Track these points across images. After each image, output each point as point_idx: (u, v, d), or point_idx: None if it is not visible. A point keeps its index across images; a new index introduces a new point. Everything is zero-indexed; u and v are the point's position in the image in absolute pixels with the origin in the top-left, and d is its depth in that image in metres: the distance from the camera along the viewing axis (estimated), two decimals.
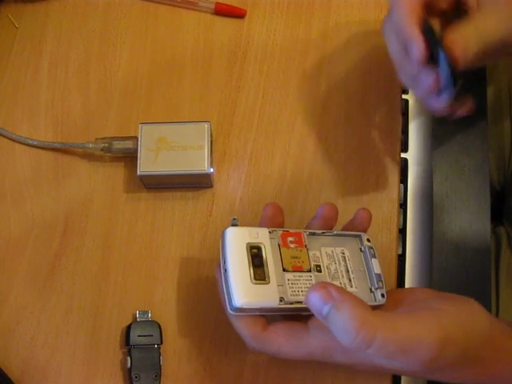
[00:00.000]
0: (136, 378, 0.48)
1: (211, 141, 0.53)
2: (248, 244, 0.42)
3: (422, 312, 0.39)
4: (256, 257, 0.42)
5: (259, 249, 0.42)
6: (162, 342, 0.49)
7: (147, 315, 0.50)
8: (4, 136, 0.57)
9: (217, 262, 0.44)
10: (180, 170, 0.52)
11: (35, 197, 0.55)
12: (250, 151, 0.56)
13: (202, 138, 0.52)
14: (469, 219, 0.55)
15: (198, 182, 0.54)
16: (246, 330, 0.42)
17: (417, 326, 0.38)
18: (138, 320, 0.50)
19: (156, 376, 0.48)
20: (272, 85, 0.58)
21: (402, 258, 0.55)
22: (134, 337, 0.49)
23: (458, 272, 0.54)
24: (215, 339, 0.51)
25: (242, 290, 0.41)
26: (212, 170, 0.52)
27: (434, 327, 0.38)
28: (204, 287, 0.52)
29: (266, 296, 0.41)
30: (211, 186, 0.55)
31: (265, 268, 0.42)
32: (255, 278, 0.41)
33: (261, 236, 0.43)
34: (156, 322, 0.50)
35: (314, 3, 0.61)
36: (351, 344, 0.36)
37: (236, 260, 0.41)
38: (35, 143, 0.56)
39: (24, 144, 0.56)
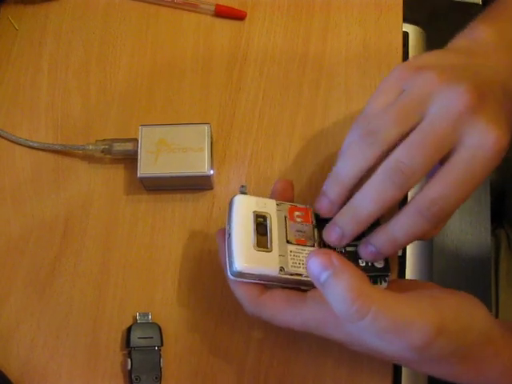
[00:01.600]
0: (136, 379, 0.48)
1: (211, 143, 0.53)
2: (254, 212, 0.43)
3: (422, 298, 0.39)
4: (261, 225, 0.43)
5: (265, 218, 0.43)
6: (162, 344, 0.49)
7: (147, 317, 0.50)
8: (4, 138, 0.57)
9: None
10: (180, 172, 0.52)
11: (35, 198, 0.55)
12: (250, 153, 0.56)
13: (202, 140, 0.52)
14: (469, 221, 0.55)
15: (198, 184, 0.54)
16: (244, 293, 0.43)
17: (414, 308, 0.37)
18: (139, 322, 0.50)
19: (156, 378, 0.48)
20: (272, 86, 0.58)
21: (402, 260, 0.55)
22: (135, 339, 0.49)
23: (458, 274, 0.54)
24: (216, 341, 0.51)
25: (243, 255, 0.41)
26: (212, 171, 0.52)
27: (431, 313, 0.37)
28: (204, 289, 0.52)
29: (266, 264, 0.42)
30: (211, 188, 0.55)
31: (268, 237, 0.43)
32: (258, 245, 0.42)
33: (268, 206, 0.44)
34: (156, 323, 0.50)
35: (314, 5, 0.61)
36: (345, 313, 0.36)
37: (241, 226, 0.42)
38: (35, 145, 0.56)
39: (24, 146, 0.56)
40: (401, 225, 0.41)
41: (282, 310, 0.42)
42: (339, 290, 0.36)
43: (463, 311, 0.39)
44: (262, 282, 0.43)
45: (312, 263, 0.38)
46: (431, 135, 0.39)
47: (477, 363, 0.40)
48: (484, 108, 0.39)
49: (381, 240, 0.42)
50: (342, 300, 0.36)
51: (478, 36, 0.45)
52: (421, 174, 0.40)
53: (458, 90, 0.39)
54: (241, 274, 0.41)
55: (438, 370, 0.41)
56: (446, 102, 0.39)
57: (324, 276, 0.37)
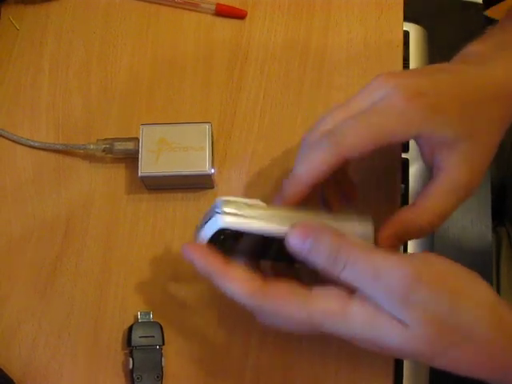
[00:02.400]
0: (138, 379, 0.48)
1: (212, 142, 0.53)
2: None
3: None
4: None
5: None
6: (163, 343, 0.49)
7: (149, 316, 0.50)
8: (5, 137, 0.57)
9: None
10: (181, 171, 0.52)
11: (36, 198, 0.55)
12: (251, 152, 0.56)
13: (203, 139, 0.52)
14: (470, 218, 0.55)
15: (199, 183, 0.54)
16: (240, 284, 0.41)
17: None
18: (140, 321, 0.50)
19: (158, 377, 0.48)
20: (273, 85, 0.58)
21: None
22: (136, 338, 0.49)
23: None
24: (217, 340, 0.51)
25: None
26: (213, 170, 0.52)
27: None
28: (205, 287, 0.52)
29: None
30: (212, 187, 0.55)
31: None
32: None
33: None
34: (158, 322, 0.50)
35: (315, 4, 0.61)
36: (331, 262, 0.39)
37: None
38: (36, 144, 0.56)
39: (25, 145, 0.56)
40: (300, 158, 0.43)
41: (287, 301, 0.40)
42: (323, 249, 0.39)
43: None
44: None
45: (292, 238, 0.40)
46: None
47: (477, 342, 0.38)
48: (397, 77, 0.44)
49: (286, 183, 0.44)
50: (328, 256, 0.39)
51: (472, 49, 0.46)
52: None
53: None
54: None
55: (435, 363, 0.39)
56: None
57: (307, 245, 0.39)
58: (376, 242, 0.43)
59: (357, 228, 0.43)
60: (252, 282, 0.41)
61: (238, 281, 0.41)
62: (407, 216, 0.43)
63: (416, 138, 0.43)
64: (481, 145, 0.43)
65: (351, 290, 0.39)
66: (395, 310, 0.38)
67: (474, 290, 0.39)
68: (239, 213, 0.41)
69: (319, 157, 0.42)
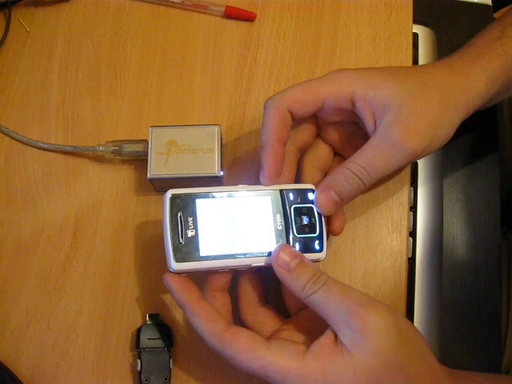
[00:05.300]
0: (146, 381, 0.48)
1: (221, 144, 0.53)
2: None
3: None
4: None
5: None
6: (172, 345, 0.49)
7: (157, 318, 0.50)
8: (15, 139, 0.57)
9: None
10: (190, 173, 0.52)
11: (46, 199, 0.55)
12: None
13: (212, 141, 0.52)
14: (479, 222, 0.55)
15: (208, 185, 0.54)
16: (206, 325, 0.43)
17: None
18: (148, 323, 0.50)
19: (166, 379, 0.48)
20: (282, 88, 0.57)
21: (412, 261, 0.55)
22: (144, 340, 0.49)
23: (469, 275, 0.54)
24: None
25: None
26: (222, 173, 0.52)
27: None
28: None
29: None
30: None
31: None
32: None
33: None
34: (166, 324, 0.50)
35: (324, 5, 0.61)
36: (309, 282, 0.42)
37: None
38: (46, 146, 0.56)
39: (35, 147, 0.57)
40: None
41: (244, 351, 0.42)
42: (308, 268, 0.43)
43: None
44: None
45: (281, 256, 0.43)
46: None
47: None
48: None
49: (260, 157, 0.47)
50: (312, 275, 0.42)
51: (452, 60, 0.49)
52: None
53: None
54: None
55: None
56: None
57: (294, 263, 0.43)
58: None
59: None
60: (215, 324, 0.43)
61: (203, 318, 0.43)
62: (336, 165, 0.47)
63: (354, 102, 0.46)
64: (415, 107, 0.45)
65: (306, 347, 0.41)
66: (354, 332, 0.40)
67: None
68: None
69: (268, 115, 0.46)
